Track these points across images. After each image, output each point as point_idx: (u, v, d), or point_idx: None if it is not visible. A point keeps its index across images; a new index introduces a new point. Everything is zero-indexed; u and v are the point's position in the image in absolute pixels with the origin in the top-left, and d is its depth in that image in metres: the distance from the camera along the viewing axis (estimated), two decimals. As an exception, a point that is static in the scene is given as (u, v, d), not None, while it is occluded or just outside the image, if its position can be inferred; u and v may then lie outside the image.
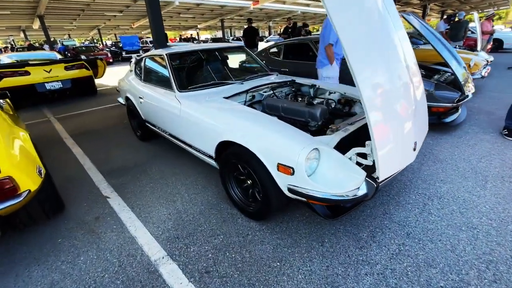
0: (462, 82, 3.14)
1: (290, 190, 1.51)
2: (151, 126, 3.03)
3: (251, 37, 7.89)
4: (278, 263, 1.55)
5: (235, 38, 23.30)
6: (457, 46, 7.01)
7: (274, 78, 2.82)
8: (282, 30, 9.06)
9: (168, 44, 8.23)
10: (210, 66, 2.81)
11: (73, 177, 2.65)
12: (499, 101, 4.42)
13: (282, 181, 1.54)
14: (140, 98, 2.90)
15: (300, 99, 2.44)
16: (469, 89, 3.29)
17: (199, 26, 28.86)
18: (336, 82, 3.19)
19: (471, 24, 8.53)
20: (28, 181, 1.44)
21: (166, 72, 2.57)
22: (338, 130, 1.71)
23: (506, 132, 3.06)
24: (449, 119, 3.20)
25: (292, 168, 1.44)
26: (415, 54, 4.94)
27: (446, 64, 4.55)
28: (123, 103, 3.71)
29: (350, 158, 1.50)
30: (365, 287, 1.39)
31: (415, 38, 6.72)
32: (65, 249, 1.74)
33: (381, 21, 1.51)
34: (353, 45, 1.29)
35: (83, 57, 10.48)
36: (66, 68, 5.73)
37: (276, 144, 1.52)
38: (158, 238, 1.79)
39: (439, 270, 1.46)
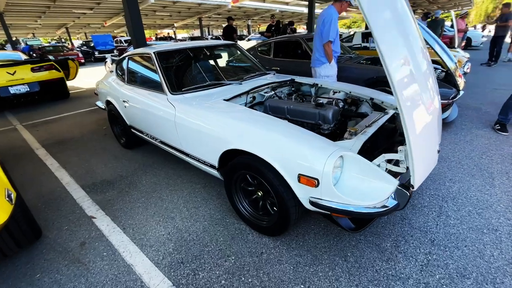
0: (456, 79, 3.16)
1: (313, 203, 1.34)
2: (137, 133, 2.73)
3: (229, 35, 7.95)
4: (302, 286, 1.38)
5: (213, 37, 22.83)
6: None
7: (272, 77, 2.64)
8: (266, 28, 8.89)
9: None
10: (203, 65, 2.58)
11: (50, 195, 2.31)
12: (482, 97, 4.57)
13: (303, 193, 1.37)
14: (125, 102, 2.60)
15: (304, 99, 2.27)
16: (461, 85, 3.33)
17: (175, 25, 28.00)
18: (334, 80, 3.07)
19: (447, 23, 8.90)
20: (-4, 212, 1.15)
21: (155, 72, 2.30)
22: (357, 133, 1.57)
23: (499, 127, 3.12)
24: (443, 116, 3.21)
25: (317, 180, 1.27)
26: None
27: (432, 61, 4.62)
28: (103, 107, 3.36)
29: (378, 165, 1.35)
30: (402, 307, 1.26)
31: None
32: (46, 287, 1.45)
33: (407, 20, 1.38)
34: (389, 46, 1.15)
35: (51, 57, 9.64)
36: (33, 70, 5.16)
37: (295, 153, 1.34)
38: (159, 265, 1.55)
39: (473, 281, 1.36)
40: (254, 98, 2.25)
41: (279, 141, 1.40)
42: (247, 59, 2.86)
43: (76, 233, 1.84)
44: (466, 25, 8.20)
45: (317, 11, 12.04)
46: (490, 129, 3.19)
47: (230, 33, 8.08)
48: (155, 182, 2.42)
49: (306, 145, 1.35)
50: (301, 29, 16.38)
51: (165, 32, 35.19)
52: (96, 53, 15.53)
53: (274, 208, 1.64)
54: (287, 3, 18.23)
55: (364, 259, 1.52)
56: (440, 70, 3.65)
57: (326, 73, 3.09)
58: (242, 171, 1.65)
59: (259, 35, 13.08)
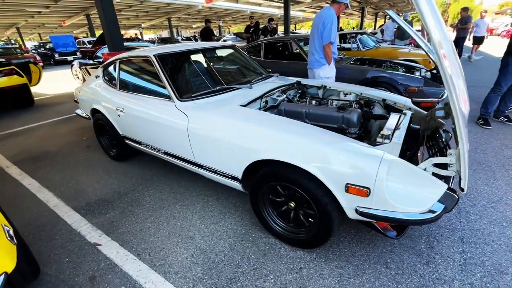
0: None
1: (361, 213, 1.28)
2: (133, 144, 2.48)
3: (208, 37, 8.06)
4: (353, 301, 1.31)
5: (184, 38, 22.16)
6: (410, 44, 7.67)
7: (277, 79, 2.56)
8: (244, 29, 8.79)
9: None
10: (208, 69, 2.41)
11: (37, 222, 1.99)
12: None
13: (350, 203, 1.30)
14: (119, 110, 2.34)
15: (320, 102, 2.21)
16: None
17: (143, 25, 26.75)
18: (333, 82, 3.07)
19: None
20: (2, 258, 0.91)
21: (156, 78, 2.10)
22: (389, 137, 1.54)
23: (482, 122, 3.35)
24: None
25: (369, 189, 1.21)
26: (377, 52, 5.06)
27: (409, 60, 4.87)
28: (86, 116, 3.01)
29: (425, 169, 1.33)
30: (457, 312, 1.24)
31: (373, 37, 7.15)
32: (59, 337, 1.22)
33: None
34: (443, 46, 1.12)
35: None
36: (-11, 76, 4.53)
37: (342, 162, 1.27)
38: (191, 294, 1.38)
39: (511, 277, 1.40)
40: (266, 102, 2.14)
41: (323, 150, 1.31)
42: (249, 62, 2.74)
43: (81, 266, 1.59)
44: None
45: (292, 13, 12.22)
46: (474, 124, 3.41)
47: (208, 35, 8.07)
48: (160, 198, 2.20)
49: (352, 152, 1.28)
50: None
51: (131, 33, 33.47)
52: (56, 55, 14.21)
53: (310, 219, 1.55)
54: (259, 4, 18.30)
55: (405, 265, 1.49)
56: (425, 70, 3.83)
57: (325, 75, 3.08)
58: (273, 182, 1.54)
59: (234, 36, 12.93)
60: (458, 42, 7.77)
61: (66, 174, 2.66)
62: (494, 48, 11.98)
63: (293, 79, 2.58)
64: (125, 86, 2.41)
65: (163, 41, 19.11)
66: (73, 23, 20.78)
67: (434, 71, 3.83)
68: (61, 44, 14.15)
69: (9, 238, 1.03)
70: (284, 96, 2.23)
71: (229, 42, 12.94)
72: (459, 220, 1.81)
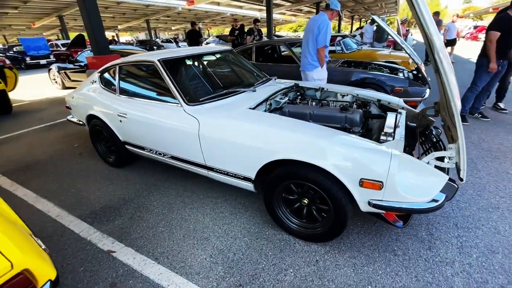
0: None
1: (374, 205, 1.39)
2: (134, 149, 2.46)
3: (195, 39, 8.19)
4: (370, 287, 1.42)
5: (164, 40, 21.74)
6: (388, 47, 8.09)
7: (276, 82, 2.65)
8: (229, 31, 8.83)
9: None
10: (210, 73, 2.44)
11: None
12: (435, 92, 5.27)
13: (363, 196, 1.41)
14: (121, 116, 2.31)
15: (322, 104, 2.32)
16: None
17: (119, 27, 25.91)
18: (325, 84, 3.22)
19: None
20: (46, 267, 0.92)
21: (161, 82, 2.11)
22: (391, 135, 1.68)
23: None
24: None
25: (382, 182, 1.33)
26: (360, 54, 5.37)
27: (390, 62, 5.15)
28: (80, 122, 2.93)
29: (427, 163, 1.47)
30: (460, 289, 1.39)
31: (354, 39, 7.48)
32: None
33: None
34: (439, 47, 1.26)
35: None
36: (-38, 82, 4.24)
37: (355, 159, 1.37)
38: (216, 293, 1.42)
39: (503, 255, 1.58)
40: (270, 104, 2.22)
41: (338, 149, 1.41)
42: (248, 65, 2.81)
43: (99, 274, 1.57)
44: (407, 30, 9.39)
45: (274, 16, 12.43)
46: (453, 121, 3.70)
47: (195, 37, 8.14)
48: (168, 202, 2.21)
49: (365, 150, 1.39)
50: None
51: (108, 35, 32.26)
52: (28, 59, 13.40)
53: (323, 214, 1.65)
54: (241, 7, 18.41)
55: (411, 251, 1.63)
56: (407, 71, 4.10)
57: (318, 77, 3.22)
58: (289, 180, 1.62)
59: (217, 38, 12.92)
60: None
61: (63, 183, 2.58)
62: (463, 50, 12.91)
63: (291, 82, 2.68)
64: (127, 92, 2.39)
65: (142, 43, 18.63)
66: (44, 25, 19.73)
67: (415, 72, 4.11)
68: (32, 47, 13.36)
69: (43, 247, 1.03)
70: (286, 98, 2.33)
71: (212, 45, 12.92)
72: (452, 208, 1.99)
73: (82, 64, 6.54)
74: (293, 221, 1.74)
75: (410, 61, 5.36)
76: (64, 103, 5.93)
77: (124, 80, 2.43)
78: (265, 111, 2.11)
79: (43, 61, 13.22)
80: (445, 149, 1.60)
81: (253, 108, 1.95)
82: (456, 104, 1.29)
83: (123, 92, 2.41)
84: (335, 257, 1.61)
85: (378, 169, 1.33)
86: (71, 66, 6.82)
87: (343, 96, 2.44)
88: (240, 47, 4.72)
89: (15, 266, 0.80)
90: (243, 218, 1.98)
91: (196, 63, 2.38)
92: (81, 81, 6.82)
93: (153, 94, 2.25)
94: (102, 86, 2.61)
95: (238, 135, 1.69)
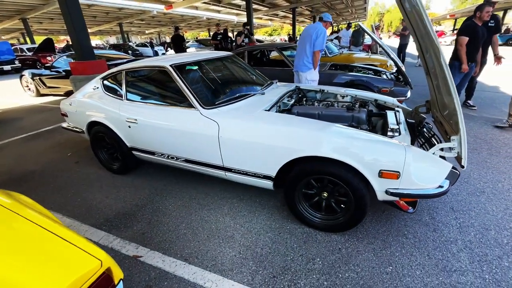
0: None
1: (392, 193, 1.55)
2: (143, 154, 2.45)
3: (179, 44, 8.37)
4: (391, 267, 1.57)
5: (139, 45, 21.06)
6: (365, 50, 8.59)
7: (279, 85, 2.78)
8: (212, 36, 8.87)
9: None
10: (218, 77, 2.51)
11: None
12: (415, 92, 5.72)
13: (382, 186, 1.57)
14: (130, 121, 2.30)
15: (328, 104, 2.47)
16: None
17: (89, 31, 24.69)
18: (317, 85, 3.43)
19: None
20: (117, 267, 0.95)
21: (173, 87, 2.14)
22: (397, 130, 1.87)
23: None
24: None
25: (399, 172, 1.49)
26: (341, 58, 5.80)
27: (370, 64, 5.51)
28: (79, 130, 2.84)
29: (433, 153, 1.66)
30: (466, 263, 1.58)
31: (332, 43, 7.86)
32: None
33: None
34: (442, 52, 1.46)
35: None
36: None
37: (375, 152, 1.53)
38: (253, 285, 1.49)
39: (495, 231, 1.82)
40: (279, 106, 2.34)
41: (359, 145, 1.56)
42: (250, 70, 2.91)
43: (131, 279, 1.57)
44: (380, 34, 10.02)
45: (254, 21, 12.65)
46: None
47: (179, 42, 8.27)
48: (184, 205, 2.23)
49: (382, 144, 1.55)
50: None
51: (64, 38, 30.68)
52: (-10, 64, 12.37)
53: (341, 205, 1.79)
54: (218, 11, 18.46)
55: (419, 234, 1.82)
56: (389, 73, 4.44)
57: (312, 78, 3.43)
58: (310, 176, 1.74)
59: (197, 43, 12.87)
60: (401, 48, 8.96)
61: (66, 193, 2.49)
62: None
63: (293, 85, 2.83)
64: (136, 97, 2.38)
65: (115, 47, 17.91)
66: (4, 28, 18.35)
67: (395, 74, 4.46)
68: (-6, 52, 12.36)
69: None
70: (293, 100, 2.46)
71: (193, 49, 12.83)
72: (446, 194, 2.23)
73: (60, 69, 6.23)
74: (314, 215, 1.86)
75: (388, 63, 5.79)
76: (43, 111, 5.63)
77: (132, 86, 2.42)
78: (276, 111, 2.22)
79: (7, 67, 12.28)
80: (441, 142, 1.82)
81: (268, 110, 2.05)
82: (458, 100, 1.49)
83: (131, 97, 2.39)
84: (355, 244, 1.75)
85: (396, 160, 1.49)
86: (47, 72, 6.46)
87: (343, 97, 2.62)
88: (233, 51, 4.80)
89: (103, 264, 0.83)
90: (262, 215, 2.07)
91: (205, 68, 2.43)
92: (59, 87, 6.48)
93: (164, 99, 2.27)
94: (106, 92, 2.57)
95: (261, 135, 1.78)
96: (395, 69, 6.01)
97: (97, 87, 2.63)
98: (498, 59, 4.03)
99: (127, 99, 2.39)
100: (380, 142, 1.56)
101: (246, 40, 7.56)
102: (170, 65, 2.15)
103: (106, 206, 2.28)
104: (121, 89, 2.43)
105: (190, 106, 2.06)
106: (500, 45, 5.37)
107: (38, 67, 12.50)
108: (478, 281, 1.47)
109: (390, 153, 1.51)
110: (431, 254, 1.65)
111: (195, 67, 2.41)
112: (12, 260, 0.82)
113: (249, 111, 1.99)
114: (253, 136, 1.80)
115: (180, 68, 2.19)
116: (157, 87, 2.37)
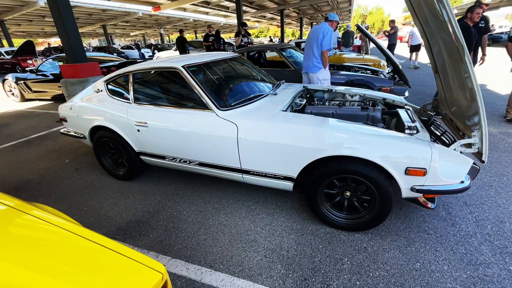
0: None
1: (417, 190, 1.57)
2: (152, 159, 2.37)
3: (183, 46, 9.29)
4: (418, 264, 1.59)
5: (125, 47, 20.54)
6: (355, 51, 8.75)
7: (287, 85, 2.77)
8: (203, 37, 8.77)
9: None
10: (229, 78, 2.46)
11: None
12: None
13: (407, 183, 1.58)
14: (139, 125, 2.21)
15: (338, 103, 2.48)
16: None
17: (71, 33, 23.83)
18: (329, 84, 3.44)
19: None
20: (168, 278, 0.89)
21: (185, 89, 2.08)
22: (415, 128, 1.89)
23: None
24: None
25: (425, 169, 1.51)
26: (336, 58, 5.92)
27: (364, 64, 5.62)
28: (79, 135, 2.70)
29: (454, 149, 1.69)
30: (489, 256, 1.62)
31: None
32: None
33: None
34: (466, 50, 1.48)
35: None
36: None
37: (401, 150, 1.54)
38: (286, 289, 1.46)
39: (509, 223, 1.87)
40: (292, 106, 2.33)
41: (386, 143, 1.56)
42: (259, 71, 2.88)
43: None
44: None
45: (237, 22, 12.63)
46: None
47: (183, 44, 9.25)
48: (198, 210, 2.17)
49: (408, 141, 1.57)
50: (227, 38, 16.57)
51: (54, 41, 29.62)
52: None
53: (364, 204, 1.79)
54: (207, 13, 18.32)
55: (439, 229, 1.85)
56: (386, 72, 4.53)
57: (323, 77, 3.45)
58: (333, 176, 1.73)
59: (187, 45, 12.68)
60: (390, 49, 9.21)
61: (71, 202, 2.36)
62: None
63: (300, 85, 2.82)
64: (145, 100, 2.29)
65: (99, 50, 17.38)
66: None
67: (391, 73, 4.56)
68: (-30, 56, 11.68)
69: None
70: (305, 100, 2.45)
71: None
72: (457, 189, 2.29)
73: (47, 73, 5.96)
74: (336, 215, 1.85)
75: (382, 63, 5.92)
76: (30, 116, 5.35)
77: (140, 88, 2.33)
78: (290, 111, 2.20)
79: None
80: (454, 139, 1.87)
81: (285, 111, 2.03)
82: (481, 95, 1.52)
83: (139, 100, 2.30)
84: (380, 243, 1.75)
85: (423, 157, 1.50)
86: (32, 76, 6.16)
87: (351, 96, 2.65)
88: (237, 51, 4.76)
89: (164, 277, 0.78)
90: (282, 217, 2.04)
91: (216, 69, 2.38)
92: (46, 92, 6.20)
93: (176, 101, 2.20)
94: (110, 95, 2.46)
95: (283, 136, 1.75)
96: (388, 69, 6.18)
97: (101, 90, 2.52)
98: (482, 58, 4.26)
99: (135, 102, 2.30)
100: (405, 140, 1.58)
101: (245, 39, 7.56)
102: (182, 66, 2.09)
103: (116, 214, 2.17)
104: (129, 92, 2.34)
105: (205, 108, 2.00)
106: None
107: (18, 70, 11.94)
108: (504, 273, 1.50)
109: (417, 150, 1.52)
110: (455, 249, 1.68)
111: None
112: (82, 279, 0.77)
113: (267, 112, 1.96)
114: (274, 137, 1.77)
115: (191, 69, 2.13)
116: (168, 89, 2.30)
